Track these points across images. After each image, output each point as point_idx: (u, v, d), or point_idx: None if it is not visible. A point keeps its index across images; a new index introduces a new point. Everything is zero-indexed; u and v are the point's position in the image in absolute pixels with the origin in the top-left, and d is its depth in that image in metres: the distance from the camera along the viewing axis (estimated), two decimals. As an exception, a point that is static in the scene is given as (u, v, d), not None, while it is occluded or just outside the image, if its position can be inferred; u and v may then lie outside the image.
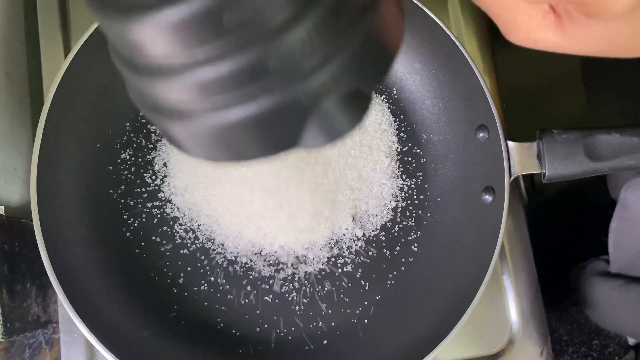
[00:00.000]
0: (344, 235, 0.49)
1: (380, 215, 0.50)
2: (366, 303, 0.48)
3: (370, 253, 0.49)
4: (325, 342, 0.46)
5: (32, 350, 0.50)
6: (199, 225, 0.48)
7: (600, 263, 0.54)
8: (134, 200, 0.48)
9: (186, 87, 0.16)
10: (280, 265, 0.48)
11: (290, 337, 0.46)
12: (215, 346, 0.45)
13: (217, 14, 0.14)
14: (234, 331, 0.46)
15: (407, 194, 0.50)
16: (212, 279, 0.47)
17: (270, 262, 0.48)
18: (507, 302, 0.52)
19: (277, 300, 0.47)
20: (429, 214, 0.50)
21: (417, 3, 0.47)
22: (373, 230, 0.50)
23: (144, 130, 0.50)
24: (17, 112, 0.52)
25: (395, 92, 0.52)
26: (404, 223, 0.50)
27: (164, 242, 0.48)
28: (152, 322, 0.45)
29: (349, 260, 0.49)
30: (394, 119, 0.52)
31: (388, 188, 0.50)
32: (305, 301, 0.47)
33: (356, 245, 0.49)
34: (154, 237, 0.48)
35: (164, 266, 0.47)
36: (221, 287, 0.47)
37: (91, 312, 0.41)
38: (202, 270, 0.47)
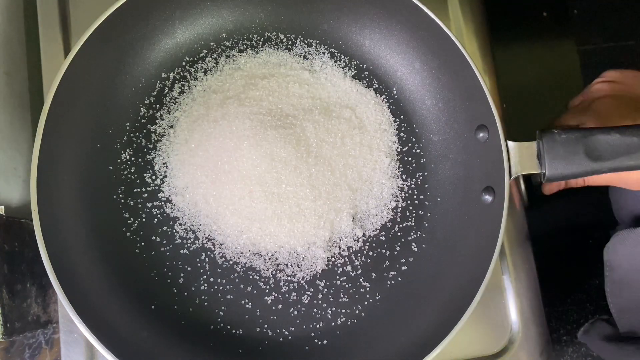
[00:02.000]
0: (344, 235, 0.49)
1: (380, 215, 0.50)
2: (366, 303, 0.48)
3: (370, 253, 0.49)
4: (325, 342, 0.46)
5: (32, 350, 0.50)
6: (198, 225, 0.48)
7: (603, 325, 0.54)
8: (134, 200, 0.48)
9: None
10: (280, 266, 0.48)
11: (290, 337, 0.46)
12: (215, 346, 0.45)
13: None
14: (234, 331, 0.46)
15: (407, 194, 0.50)
16: (212, 279, 0.47)
17: (270, 262, 0.48)
18: (507, 302, 0.52)
19: (277, 301, 0.47)
20: (429, 214, 0.50)
21: (417, 3, 0.47)
22: (373, 230, 0.50)
23: (144, 130, 0.50)
24: (17, 112, 0.52)
25: (395, 92, 0.52)
26: (404, 223, 0.50)
27: (164, 242, 0.48)
28: (152, 322, 0.45)
29: (348, 261, 0.49)
30: (394, 119, 0.52)
31: (388, 188, 0.50)
32: (305, 301, 0.47)
33: (356, 245, 0.49)
34: (154, 237, 0.48)
35: (164, 266, 0.47)
36: (221, 287, 0.47)
37: (91, 312, 0.41)
38: (202, 270, 0.47)
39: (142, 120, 0.50)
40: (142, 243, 0.47)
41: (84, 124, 0.46)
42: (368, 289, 0.48)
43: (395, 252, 0.49)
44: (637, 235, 0.48)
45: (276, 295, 0.47)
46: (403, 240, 0.50)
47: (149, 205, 0.48)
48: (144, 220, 0.48)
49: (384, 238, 0.49)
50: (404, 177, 0.51)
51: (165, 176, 0.49)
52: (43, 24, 0.53)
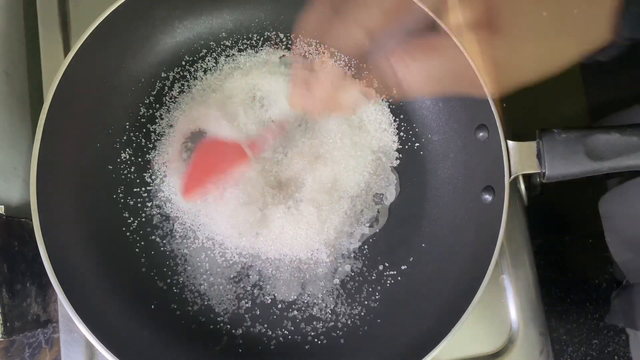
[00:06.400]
0: (344, 236, 0.49)
1: (380, 216, 0.50)
2: (366, 303, 0.48)
3: (370, 253, 0.49)
4: (325, 342, 0.46)
5: (32, 350, 0.50)
6: (198, 225, 0.48)
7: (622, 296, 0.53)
8: (134, 199, 0.48)
9: None
10: (281, 267, 0.48)
11: (290, 337, 0.46)
12: (215, 346, 0.45)
13: None
14: (234, 331, 0.46)
15: (407, 194, 0.50)
16: (212, 278, 0.47)
17: (270, 263, 0.48)
18: (507, 302, 0.52)
19: (277, 300, 0.47)
20: (429, 214, 0.50)
21: (417, 2, 0.47)
22: (373, 231, 0.50)
23: (144, 130, 0.50)
24: (16, 112, 0.52)
25: (395, 91, 0.52)
26: (404, 223, 0.50)
27: (164, 241, 0.48)
28: (152, 322, 0.45)
29: (349, 261, 0.49)
30: (394, 118, 0.52)
31: (388, 189, 0.50)
32: (305, 301, 0.47)
33: (356, 246, 0.49)
34: (153, 237, 0.48)
35: (164, 266, 0.47)
36: (221, 287, 0.47)
37: (91, 312, 0.41)
38: (201, 270, 0.47)
39: (142, 120, 0.50)
40: (142, 243, 0.47)
41: (84, 124, 0.46)
42: (368, 288, 0.48)
43: (395, 253, 0.49)
44: (630, 185, 0.49)
45: (276, 295, 0.47)
46: (403, 240, 0.49)
47: (149, 204, 0.48)
48: (143, 219, 0.48)
49: (383, 238, 0.49)
50: (404, 177, 0.51)
51: (165, 176, 0.49)
52: (43, 24, 0.53)
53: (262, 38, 0.53)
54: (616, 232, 0.51)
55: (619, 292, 0.54)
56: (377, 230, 0.50)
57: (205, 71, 0.52)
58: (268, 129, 0.39)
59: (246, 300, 0.47)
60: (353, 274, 0.48)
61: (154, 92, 0.50)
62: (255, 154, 0.42)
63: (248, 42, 0.53)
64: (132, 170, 0.49)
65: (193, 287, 0.47)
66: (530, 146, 0.44)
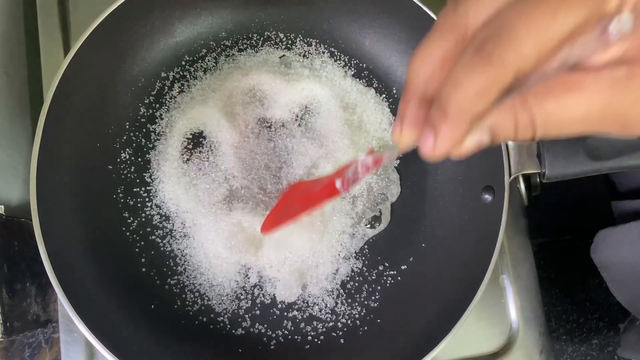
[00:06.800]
0: (345, 237, 0.49)
1: (380, 216, 0.50)
2: (366, 303, 0.48)
3: (370, 253, 0.49)
4: (325, 342, 0.46)
5: (32, 350, 0.50)
6: (198, 224, 0.48)
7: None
8: (134, 199, 0.48)
9: None
10: (281, 267, 0.48)
11: (290, 337, 0.46)
12: (215, 346, 0.45)
13: None
14: (233, 331, 0.46)
15: (407, 194, 0.50)
16: (212, 278, 0.47)
17: (271, 263, 0.48)
18: (507, 301, 0.52)
19: (277, 301, 0.47)
20: (429, 214, 0.50)
21: (417, 2, 0.47)
22: (373, 232, 0.50)
23: (144, 130, 0.50)
24: (17, 112, 0.52)
25: (395, 91, 0.52)
26: (404, 223, 0.50)
27: (164, 241, 0.48)
28: (152, 322, 0.45)
29: (349, 261, 0.49)
30: (394, 118, 0.52)
31: (388, 189, 0.50)
32: (305, 301, 0.47)
33: (357, 246, 0.49)
34: (153, 237, 0.48)
35: (164, 266, 0.47)
36: (221, 287, 0.47)
37: (91, 311, 0.41)
38: (201, 270, 0.47)
39: (142, 120, 0.50)
40: (142, 242, 0.47)
41: (84, 124, 0.46)
42: (368, 288, 0.48)
43: (395, 253, 0.49)
44: (617, 233, 0.48)
45: (276, 295, 0.47)
46: (403, 240, 0.49)
47: (149, 204, 0.48)
48: (143, 219, 0.48)
49: (384, 238, 0.49)
50: (403, 177, 0.51)
51: (165, 175, 0.49)
52: (43, 24, 0.53)
53: (262, 38, 0.53)
54: (615, 280, 0.51)
55: (627, 325, 0.54)
56: (377, 232, 0.50)
57: (205, 71, 0.52)
58: (364, 162, 0.35)
59: (246, 301, 0.47)
60: (353, 274, 0.48)
61: (154, 92, 0.50)
62: (345, 190, 0.40)
63: (248, 42, 0.53)
64: (132, 170, 0.49)
65: (193, 287, 0.47)
66: (530, 146, 0.44)
